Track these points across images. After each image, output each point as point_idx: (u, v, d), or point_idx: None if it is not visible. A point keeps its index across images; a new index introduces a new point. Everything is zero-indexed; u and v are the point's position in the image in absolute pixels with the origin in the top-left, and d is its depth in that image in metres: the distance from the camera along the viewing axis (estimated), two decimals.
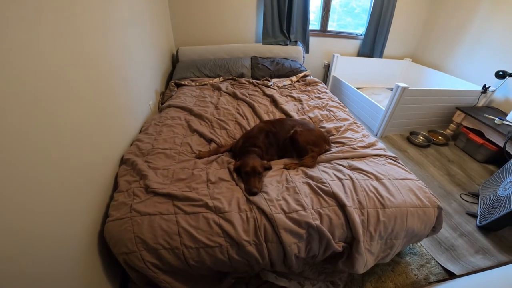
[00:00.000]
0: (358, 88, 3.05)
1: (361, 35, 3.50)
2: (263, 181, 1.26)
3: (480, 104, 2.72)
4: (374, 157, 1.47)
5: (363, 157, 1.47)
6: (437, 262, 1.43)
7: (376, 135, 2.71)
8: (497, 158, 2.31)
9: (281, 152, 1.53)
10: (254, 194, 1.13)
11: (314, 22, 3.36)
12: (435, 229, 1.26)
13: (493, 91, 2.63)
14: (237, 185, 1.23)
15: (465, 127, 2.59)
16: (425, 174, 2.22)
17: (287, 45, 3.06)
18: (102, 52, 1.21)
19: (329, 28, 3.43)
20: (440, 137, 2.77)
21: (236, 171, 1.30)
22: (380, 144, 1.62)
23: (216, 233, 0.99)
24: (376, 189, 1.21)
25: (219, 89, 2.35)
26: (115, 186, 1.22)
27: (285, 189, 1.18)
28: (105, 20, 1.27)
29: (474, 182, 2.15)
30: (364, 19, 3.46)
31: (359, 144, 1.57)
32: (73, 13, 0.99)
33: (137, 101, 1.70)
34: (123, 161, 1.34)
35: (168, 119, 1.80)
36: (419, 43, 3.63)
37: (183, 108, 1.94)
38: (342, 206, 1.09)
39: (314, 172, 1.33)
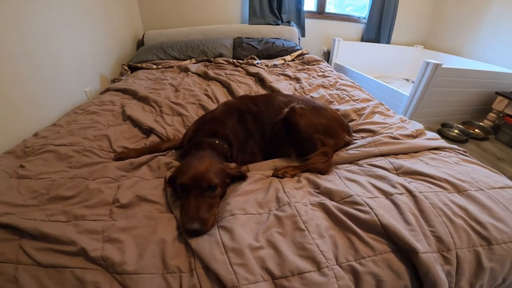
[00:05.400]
0: None
1: (364, 18, 2.98)
2: (228, 204, 0.64)
3: None
4: (433, 151, 0.84)
5: (415, 152, 0.84)
6: None
7: None
8: None
9: (269, 146, 0.89)
10: (196, 233, 0.56)
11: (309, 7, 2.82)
12: None
13: None
14: (172, 212, 0.63)
15: (510, 116, 2.00)
16: None
17: (278, 25, 2.49)
18: None
19: (327, 10, 2.90)
20: (477, 130, 2.17)
21: (171, 182, 0.66)
22: (431, 133, 1.00)
23: None
24: (465, 210, 0.62)
25: (186, 70, 1.72)
26: None
27: (273, 221, 0.60)
28: None
29: None
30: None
31: (400, 132, 0.94)
32: None
33: (55, 86, 1.25)
34: None
35: (96, 104, 1.17)
36: (429, 28, 3.22)
37: (124, 91, 1.30)
38: (405, 251, 0.54)
39: (332, 181, 0.72)
